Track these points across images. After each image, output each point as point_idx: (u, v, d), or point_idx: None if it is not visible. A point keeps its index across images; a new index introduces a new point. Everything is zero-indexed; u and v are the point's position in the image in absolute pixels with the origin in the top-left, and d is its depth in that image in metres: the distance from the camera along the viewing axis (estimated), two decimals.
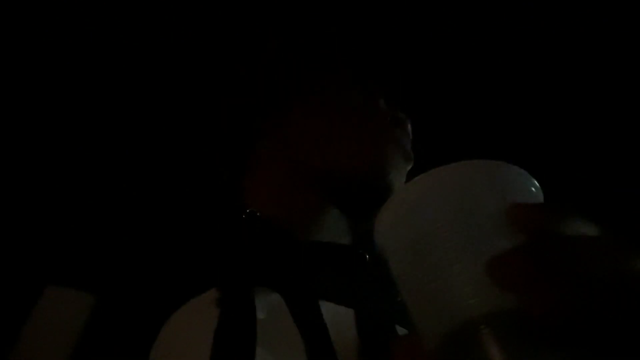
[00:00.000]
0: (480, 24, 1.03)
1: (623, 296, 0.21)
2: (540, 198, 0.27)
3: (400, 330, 0.51)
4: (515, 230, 0.24)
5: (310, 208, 0.59)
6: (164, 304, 0.46)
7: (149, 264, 0.51)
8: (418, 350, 0.25)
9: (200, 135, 0.74)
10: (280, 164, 0.61)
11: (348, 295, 0.52)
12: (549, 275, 0.22)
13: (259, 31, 0.73)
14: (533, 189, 0.26)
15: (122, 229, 0.57)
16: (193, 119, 0.77)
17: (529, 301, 0.21)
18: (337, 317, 0.49)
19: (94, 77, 0.91)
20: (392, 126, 0.62)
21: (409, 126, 0.64)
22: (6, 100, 0.88)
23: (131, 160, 0.87)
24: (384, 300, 0.54)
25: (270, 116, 0.64)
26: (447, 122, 1.01)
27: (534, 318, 0.21)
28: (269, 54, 0.68)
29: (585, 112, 1.08)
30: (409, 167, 0.61)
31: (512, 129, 1.07)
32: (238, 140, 0.65)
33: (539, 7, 1.01)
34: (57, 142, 0.89)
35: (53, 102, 0.91)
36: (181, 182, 0.77)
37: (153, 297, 0.47)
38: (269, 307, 0.47)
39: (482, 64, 1.05)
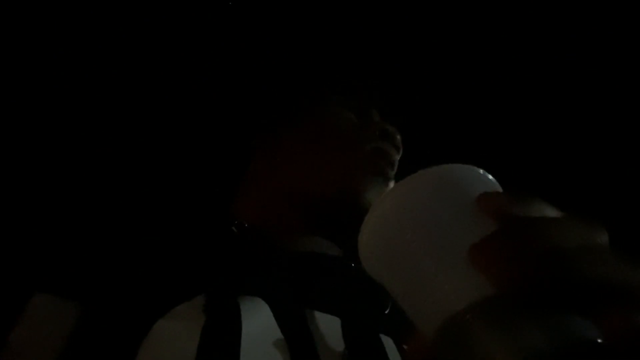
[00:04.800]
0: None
1: (592, 265, 0.23)
2: (499, 190, 0.28)
3: (385, 340, 0.51)
4: (482, 223, 0.25)
5: (297, 225, 0.62)
6: (151, 311, 0.45)
7: (136, 271, 0.51)
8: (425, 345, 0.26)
9: (195, 150, 0.75)
10: (268, 185, 0.65)
11: (335, 303, 0.53)
12: (525, 254, 0.23)
13: (255, 55, 0.75)
14: (491, 183, 0.28)
15: (109, 236, 0.57)
16: (191, 133, 0.79)
17: (511, 281, 0.23)
18: (324, 325, 0.49)
19: (85, 93, 0.91)
20: (380, 142, 0.64)
21: (398, 137, 0.66)
22: None
23: (120, 168, 0.88)
24: (370, 308, 0.55)
25: (263, 139, 0.69)
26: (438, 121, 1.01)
27: (514, 296, 0.23)
28: (267, 72, 0.71)
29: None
30: (388, 188, 0.64)
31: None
32: (233, 157, 0.68)
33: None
34: (41, 150, 0.88)
35: (42, 114, 0.90)
36: (172, 192, 0.77)
37: (139, 304, 0.47)
38: (255, 315, 0.47)
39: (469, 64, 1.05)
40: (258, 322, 0.46)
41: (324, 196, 0.61)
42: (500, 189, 0.28)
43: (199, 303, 0.46)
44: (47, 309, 0.48)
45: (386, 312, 0.57)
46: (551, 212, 0.26)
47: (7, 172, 0.85)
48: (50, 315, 0.47)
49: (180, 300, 0.46)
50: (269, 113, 0.70)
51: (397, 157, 0.65)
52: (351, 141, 0.64)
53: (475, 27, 1.03)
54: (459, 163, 0.28)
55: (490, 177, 0.28)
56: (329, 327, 0.49)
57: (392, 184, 0.64)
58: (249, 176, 0.68)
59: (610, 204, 1.05)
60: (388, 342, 0.52)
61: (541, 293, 0.22)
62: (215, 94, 0.76)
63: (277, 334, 0.46)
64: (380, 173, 0.63)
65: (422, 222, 0.26)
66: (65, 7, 0.88)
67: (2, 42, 0.87)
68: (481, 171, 0.28)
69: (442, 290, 0.25)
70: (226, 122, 0.73)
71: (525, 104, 1.09)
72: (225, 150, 0.71)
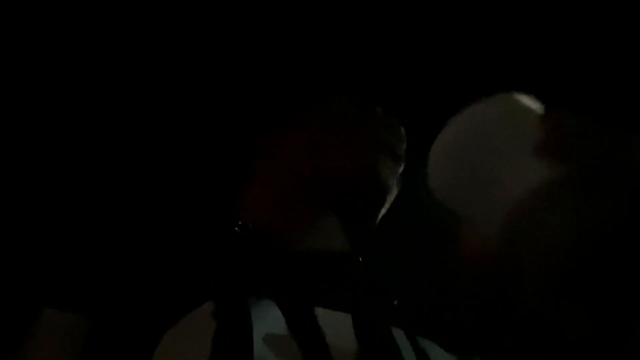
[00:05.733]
0: None
1: None
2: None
3: (396, 332, 0.51)
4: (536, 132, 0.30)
5: (306, 216, 0.62)
6: (160, 321, 0.45)
7: (142, 282, 0.51)
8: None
9: (195, 150, 0.75)
10: (275, 176, 0.65)
11: (344, 300, 0.53)
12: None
13: (256, 50, 0.75)
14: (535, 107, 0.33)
15: (114, 247, 0.57)
16: (189, 131, 0.78)
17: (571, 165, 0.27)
18: (335, 323, 0.49)
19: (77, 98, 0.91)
20: (384, 132, 0.65)
21: (402, 130, 0.67)
22: None
23: (122, 176, 0.87)
24: (380, 303, 0.55)
25: (267, 130, 0.68)
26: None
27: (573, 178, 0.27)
28: (269, 70, 0.72)
29: None
30: (400, 169, 0.65)
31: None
32: (235, 154, 0.68)
33: None
34: (40, 159, 0.88)
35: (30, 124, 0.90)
36: (174, 197, 0.77)
37: (148, 315, 0.47)
38: (265, 317, 0.47)
39: None
40: (269, 325, 0.46)
41: (337, 181, 0.62)
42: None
43: (207, 310, 0.46)
44: (56, 325, 0.48)
45: (395, 303, 0.57)
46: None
47: (8, 182, 0.85)
48: (60, 331, 0.47)
49: (189, 308, 0.46)
50: (272, 109, 0.70)
51: (403, 150, 0.66)
52: (357, 135, 0.65)
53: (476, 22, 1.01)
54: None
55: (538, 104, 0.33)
56: (340, 324, 0.49)
57: (400, 170, 0.65)
58: (254, 174, 0.67)
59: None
60: (399, 335, 0.52)
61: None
62: (215, 91, 0.76)
63: (288, 335, 0.46)
64: (387, 163, 0.64)
65: (503, 133, 0.31)
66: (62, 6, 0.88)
67: (1, 42, 0.87)
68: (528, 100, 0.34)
69: (505, 184, 0.29)
70: (227, 120, 0.72)
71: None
72: (225, 149, 0.71)
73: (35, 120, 0.90)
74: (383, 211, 0.66)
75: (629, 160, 0.27)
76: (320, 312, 0.49)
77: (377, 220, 0.66)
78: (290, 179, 0.64)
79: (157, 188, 0.80)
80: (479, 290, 0.30)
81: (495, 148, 0.31)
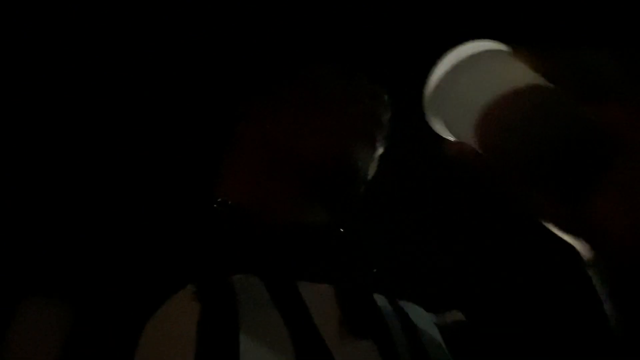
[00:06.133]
0: None
1: None
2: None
3: (378, 298, 0.53)
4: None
5: (285, 191, 0.62)
6: (143, 307, 0.45)
7: (123, 267, 0.51)
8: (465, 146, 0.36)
9: (172, 128, 0.74)
10: (254, 151, 0.64)
11: (326, 272, 0.53)
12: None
13: (242, 14, 0.73)
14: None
15: (94, 233, 0.56)
16: (171, 103, 0.76)
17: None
18: (318, 295, 0.50)
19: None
20: (369, 101, 0.65)
21: (386, 97, 0.67)
22: None
23: (103, 158, 0.85)
24: (360, 271, 0.56)
25: (252, 101, 0.67)
26: None
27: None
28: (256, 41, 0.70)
29: None
30: (379, 153, 0.65)
31: None
32: (218, 122, 0.67)
33: None
34: (22, 146, 0.85)
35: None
36: (152, 177, 0.76)
37: (131, 301, 0.46)
38: (250, 293, 0.47)
39: None
40: (254, 300, 0.46)
41: (316, 160, 0.61)
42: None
43: (189, 291, 0.46)
44: (38, 312, 0.47)
45: (375, 270, 0.58)
46: None
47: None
48: (42, 319, 0.47)
49: (172, 290, 0.46)
50: (255, 77, 0.68)
51: (387, 117, 0.66)
52: (341, 105, 0.64)
53: None
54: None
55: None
56: (323, 296, 0.50)
57: (381, 149, 0.65)
58: (232, 149, 0.66)
59: None
60: (381, 300, 0.53)
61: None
62: (198, 58, 0.74)
63: (273, 309, 0.46)
64: (369, 136, 0.63)
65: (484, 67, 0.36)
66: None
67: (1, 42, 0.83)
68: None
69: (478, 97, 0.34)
70: (207, 93, 0.71)
71: None
72: (204, 123, 0.69)
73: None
74: (363, 186, 0.66)
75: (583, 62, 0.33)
76: (303, 286, 0.50)
77: (359, 193, 0.66)
78: (269, 154, 0.63)
79: (135, 169, 0.79)
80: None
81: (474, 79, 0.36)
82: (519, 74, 0.34)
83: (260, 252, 0.54)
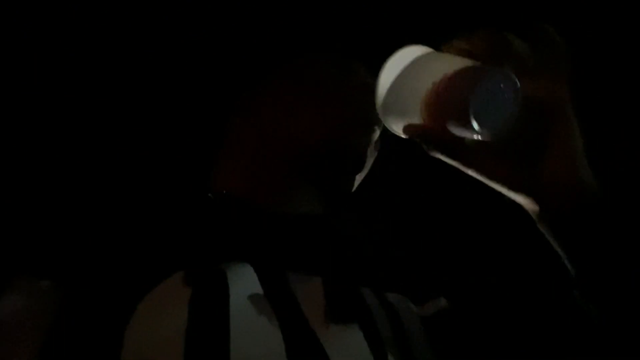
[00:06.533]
0: None
1: None
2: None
3: (364, 291, 0.53)
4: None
5: (279, 181, 0.62)
6: (134, 289, 0.45)
7: (115, 251, 0.51)
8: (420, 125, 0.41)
9: (167, 119, 0.74)
10: (252, 138, 0.64)
11: (315, 263, 0.54)
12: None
13: (242, 8, 0.73)
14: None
15: (86, 216, 0.56)
16: (165, 93, 0.77)
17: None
18: (306, 286, 0.50)
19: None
20: (364, 93, 0.64)
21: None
22: None
23: (97, 146, 0.85)
24: (349, 263, 0.57)
25: (245, 91, 0.67)
26: None
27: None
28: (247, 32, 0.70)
29: None
30: (378, 132, 0.64)
31: None
32: (213, 111, 0.67)
33: None
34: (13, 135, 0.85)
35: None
36: (146, 166, 0.76)
37: (121, 285, 0.46)
38: (241, 280, 0.48)
39: None
40: (245, 287, 0.47)
41: (311, 149, 0.61)
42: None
43: (181, 275, 0.46)
44: (27, 292, 0.47)
45: (364, 263, 0.58)
46: None
47: None
48: (31, 298, 0.47)
49: (163, 275, 0.46)
50: (251, 68, 0.68)
51: None
52: (336, 94, 0.64)
53: None
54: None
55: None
56: (310, 287, 0.51)
57: (377, 133, 0.64)
58: (227, 140, 0.66)
59: None
60: (367, 293, 0.54)
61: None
62: (194, 50, 0.74)
63: (263, 297, 0.47)
64: (365, 125, 0.63)
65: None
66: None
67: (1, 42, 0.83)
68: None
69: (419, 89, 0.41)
70: (202, 83, 0.71)
71: None
72: (199, 112, 0.69)
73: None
74: (360, 177, 0.65)
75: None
76: (292, 276, 0.50)
77: (354, 185, 0.65)
78: (263, 144, 0.63)
79: (129, 157, 0.79)
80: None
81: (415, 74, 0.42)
82: (446, 64, 0.40)
83: (253, 240, 0.55)
